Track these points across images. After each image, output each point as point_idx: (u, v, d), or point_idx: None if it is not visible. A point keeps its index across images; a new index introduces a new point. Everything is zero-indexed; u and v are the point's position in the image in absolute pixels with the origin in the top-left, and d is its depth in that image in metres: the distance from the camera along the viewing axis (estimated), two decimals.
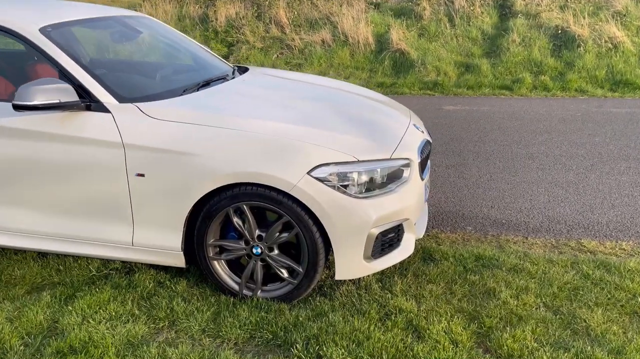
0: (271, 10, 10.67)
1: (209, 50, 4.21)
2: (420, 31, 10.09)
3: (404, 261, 2.99)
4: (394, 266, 3.01)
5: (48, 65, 2.84)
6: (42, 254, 3.17)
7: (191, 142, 2.59)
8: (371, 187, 2.63)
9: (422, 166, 2.97)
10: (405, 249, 2.85)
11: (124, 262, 3.05)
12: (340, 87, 3.69)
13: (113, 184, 2.67)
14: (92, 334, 2.40)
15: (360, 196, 2.57)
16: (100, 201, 2.74)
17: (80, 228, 2.81)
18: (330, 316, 2.57)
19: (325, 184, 2.51)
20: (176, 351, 2.32)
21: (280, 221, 2.60)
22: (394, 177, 2.74)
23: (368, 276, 2.94)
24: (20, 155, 2.76)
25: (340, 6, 10.71)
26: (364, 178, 2.60)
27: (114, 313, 2.59)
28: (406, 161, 2.79)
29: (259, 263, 2.72)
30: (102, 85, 2.72)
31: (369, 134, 2.81)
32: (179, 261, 2.75)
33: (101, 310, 2.60)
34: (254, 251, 2.69)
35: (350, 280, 2.89)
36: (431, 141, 3.43)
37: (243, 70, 3.89)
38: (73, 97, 2.61)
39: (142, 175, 2.63)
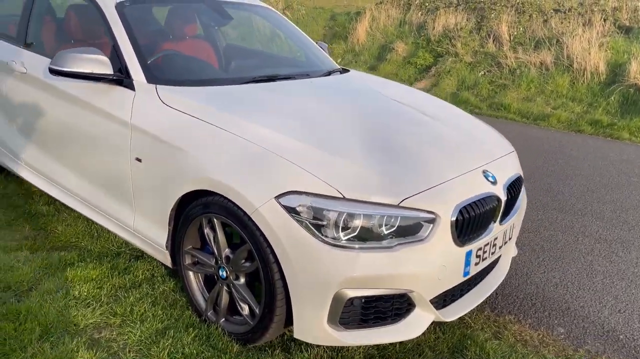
0: (493, 23, 9.71)
1: (323, 48, 3.87)
2: None
3: (408, 343, 2.26)
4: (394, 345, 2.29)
5: None
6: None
7: (183, 136, 2.33)
8: (365, 236, 2.01)
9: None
10: (406, 330, 2.13)
11: None
12: (426, 111, 2.96)
13: (119, 163, 2.58)
14: (41, 307, 2.35)
15: (335, 242, 1.97)
16: (112, 178, 2.68)
17: (99, 198, 2.82)
18: None
19: (293, 217, 1.99)
20: (85, 355, 2.11)
21: (244, 247, 2.17)
22: (406, 231, 2.06)
23: (356, 347, 2.29)
24: (61, 115, 2.89)
25: (578, 26, 9.17)
26: (356, 222, 1.98)
27: (84, 293, 2.51)
28: (428, 215, 2.07)
29: (224, 288, 2.33)
30: (140, 64, 2.65)
31: (390, 168, 2.16)
32: (166, 260, 2.54)
33: (76, 286, 2.55)
34: (220, 273, 2.31)
35: (326, 347, 2.28)
36: (521, 201, 2.55)
37: (343, 71, 3.49)
38: (107, 70, 2.58)
39: (140, 160, 2.48)
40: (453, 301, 2.36)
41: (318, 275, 1.97)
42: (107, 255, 2.88)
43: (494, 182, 2.36)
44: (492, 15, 9.88)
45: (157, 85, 2.55)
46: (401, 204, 2.03)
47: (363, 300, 2.04)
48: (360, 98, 2.96)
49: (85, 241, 3.02)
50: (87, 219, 3.24)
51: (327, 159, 2.12)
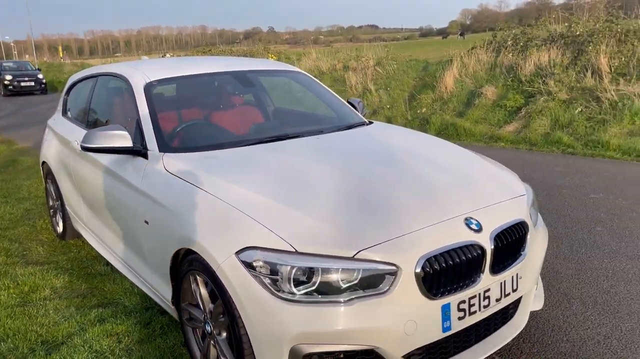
0: (591, 56, 9.07)
1: (354, 104, 3.95)
2: None
3: None
4: None
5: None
6: None
7: (175, 199, 2.53)
8: (325, 290, 2.00)
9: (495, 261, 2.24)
10: None
11: None
12: (429, 158, 2.86)
13: (136, 226, 2.85)
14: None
15: (289, 297, 1.99)
16: (134, 238, 2.96)
17: (130, 258, 3.11)
18: None
19: (250, 273, 2.04)
20: None
21: (218, 302, 2.26)
22: (369, 285, 2.02)
23: None
24: (102, 184, 3.27)
25: None
26: (313, 276, 1.98)
27: (104, 347, 2.74)
28: (388, 267, 2.01)
29: (211, 342, 2.41)
30: (155, 135, 2.95)
31: (352, 220, 2.13)
32: (175, 314, 2.71)
33: (100, 341, 2.79)
34: (206, 327, 2.40)
35: None
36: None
37: (359, 124, 3.55)
38: (127, 143, 2.91)
39: (147, 222, 2.72)
40: (446, 356, 2.21)
41: (273, 330, 1.99)
42: (137, 311, 3.12)
43: (478, 230, 2.22)
44: (590, 47, 9.25)
45: (165, 154, 2.82)
46: (356, 257, 2.00)
47: (323, 356, 2.01)
48: (357, 151, 2.97)
49: (125, 298, 3.31)
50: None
51: (289, 214, 2.17)
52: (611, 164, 6.50)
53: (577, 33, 9.81)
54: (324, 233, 2.07)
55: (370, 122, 3.71)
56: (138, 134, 3.01)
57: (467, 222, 2.24)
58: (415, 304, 2.03)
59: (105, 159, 3.23)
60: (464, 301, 2.16)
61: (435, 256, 2.07)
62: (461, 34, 27.80)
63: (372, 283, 2.01)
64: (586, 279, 3.38)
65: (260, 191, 2.34)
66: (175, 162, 2.72)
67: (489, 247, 2.20)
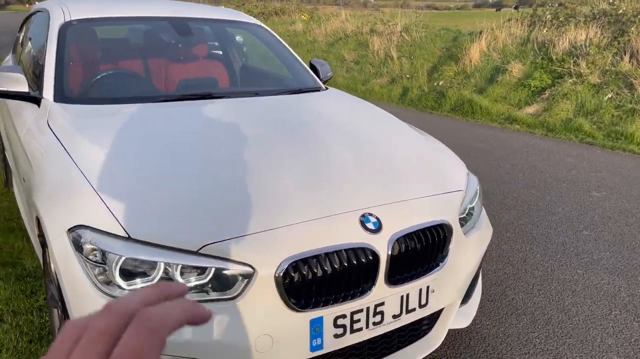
0: (632, 37, 8.20)
1: (317, 65, 3.48)
2: None
3: None
4: None
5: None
6: None
7: (39, 158, 2.17)
8: None
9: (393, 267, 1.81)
10: None
11: None
12: (354, 135, 2.42)
13: (19, 181, 2.54)
14: None
15: (113, 292, 1.62)
16: (20, 196, 2.64)
17: (23, 215, 2.80)
18: None
19: (78, 257, 1.68)
20: None
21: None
22: (222, 286, 1.63)
23: None
24: (7, 132, 2.96)
25: None
26: (145, 269, 1.60)
27: None
28: (242, 268, 1.61)
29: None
30: (55, 81, 2.58)
31: (211, 208, 1.73)
32: None
33: None
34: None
35: None
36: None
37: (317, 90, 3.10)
38: (21, 87, 2.55)
39: (24, 180, 2.38)
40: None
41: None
42: (31, 276, 2.84)
43: (375, 230, 1.79)
44: (632, 28, 8.35)
45: (58, 104, 2.45)
46: (201, 251, 1.61)
47: None
48: (273, 121, 2.51)
49: (28, 260, 3.03)
50: None
51: (141, 190, 1.78)
52: (630, 159, 5.83)
53: (620, 11, 8.89)
54: (169, 218, 1.68)
55: (326, 89, 3.26)
56: (40, 79, 2.65)
57: (364, 219, 1.81)
58: (273, 316, 1.64)
59: (12, 104, 2.89)
60: (343, 316, 1.75)
61: (306, 259, 1.66)
62: (515, 7, 26.24)
63: (222, 285, 1.63)
64: (549, 292, 2.91)
65: (124, 157, 1.96)
66: (61, 115, 2.36)
67: (384, 252, 1.77)
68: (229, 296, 1.62)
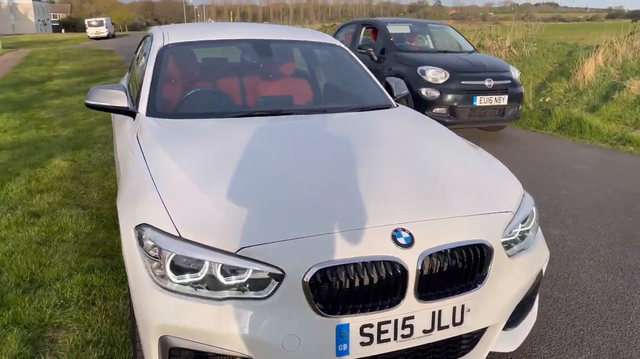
0: None
1: (392, 84, 3.57)
2: None
3: None
4: None
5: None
6: None
7: (126, 164, 2.52)
8: (209, 284, 1.82)
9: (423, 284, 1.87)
10: None
11: None
12: (407, 154, 2.48)
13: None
14: None
15: (165, 284, 1.84)
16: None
17: None
18: None
19: (140, 251, 1.94)
20: None
21: None
22: (254, 287, 1.81)
23: None
24: (115, 140, 3.37)
25: None
26: (194, 266, 1.80)
27: (68, 286, 2.88)
28: (273, 270, 1.77)
29: None
30: (149, 98, 2.95)
31: (251, 211, 1.91)
32: None
33: (70, 282, 2.94)
34: None
35: None
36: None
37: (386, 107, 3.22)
38: (122, 103, 2.94)
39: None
40: None
41: (145, 316, 1.88)
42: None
43: (406, 245, 1.86)
44: None
45: (148, 118, 2.80)
46: (239, 253, 1.79)
47: (194, 355, 1.85)
48: (332, 137, 2.64)
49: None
50: None
51: (194, 194, 2.01)
52: None
53: None
54: (216, 221, 1.88)
55: (397, 106, 3.34)
56: (138, 95, 3.04)
57: (396, 234, 1.88)
58: (301, 318, 1.77)
59: (117, 118, 3.33)
60: (370, 325, 1.83)
61: (335, 267, 1.77)
62: (635, 19, 23.95)
63: (257, 286, 1.79)
64: (623, 327, 2.71)
65: (187, 165, 2.22)
66: (149, 127, 2.70)
67: (413, 267, 1.83)
68: (262, 296, 1.78)
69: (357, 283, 1.79)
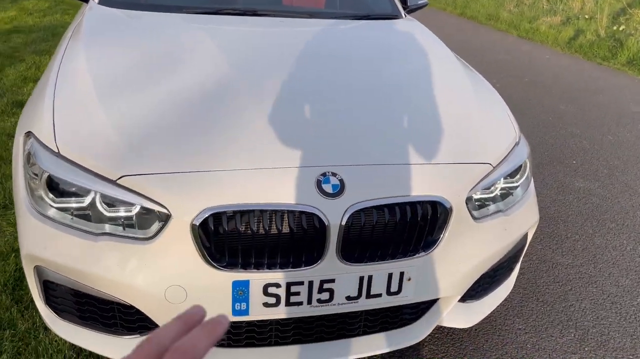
0: None
1: None
2: None
3: None
4: None
5: None
6: None
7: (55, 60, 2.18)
8: (86, 213, 1.52)
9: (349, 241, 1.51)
10: (121, 349, 1.59)
11: None
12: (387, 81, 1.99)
13: None
14: None
15: (39, 209, 1.54)
16: None
17: None
18: None
19: (24, 163, 1.64)
20: None
21: None
22: (140, 224, 1.49)
23: None
24: None
25: None
26: (67, 189, 1.49)
27: None
28: (157, 208, 1.43)
29: None
30: None
31: (150, 132, 1.56)
32: None
33: None
34: None
35: None
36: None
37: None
38: None
39: None
40: (242, 343, 1.64)
41: (20, 241, 1.62)
42: None
43: (332, 195, 1.47)
44: None
45: (97, 5, 2.43)
46: (119, 181, 1.46)
47: (72, 292, 1.59)
48: (288, 52, 2.15)
49: None
50: None
51: (96, 104, 1.67)
52: None
53: None
54: (103, 141, 1.54)
55: (405, 17, 2.79)
56: None
57: (323, 179, 1.49)
58: (188, 268, 1.46)
59: None
60: (277, 285, 1.51)
61: (235, 213, 1.42)
62: None
63: (140, 224, 1.48)
64: (625, 309, 2.28)
65: (99, 68, 1.86)
66: (88, 17, 2.34)
67: (336, 222, 1.45)
68: (143, 236, 1.47)
69: (262, 234, 1.44)
